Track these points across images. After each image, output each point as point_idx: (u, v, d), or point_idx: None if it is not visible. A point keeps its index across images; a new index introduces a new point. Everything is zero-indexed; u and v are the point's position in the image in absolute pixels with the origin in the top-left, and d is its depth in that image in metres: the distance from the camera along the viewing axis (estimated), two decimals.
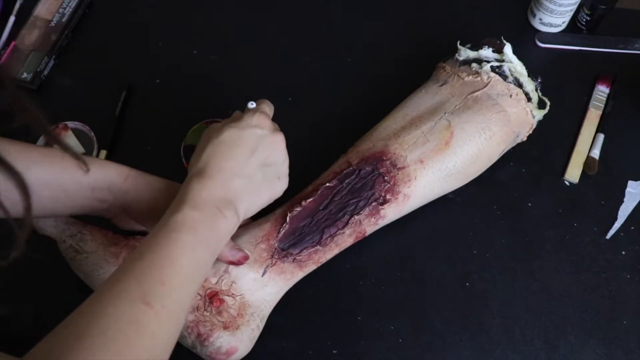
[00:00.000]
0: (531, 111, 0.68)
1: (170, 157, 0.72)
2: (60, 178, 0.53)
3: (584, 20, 0.82)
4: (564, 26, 0.83)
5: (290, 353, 0.64)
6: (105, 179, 0.55)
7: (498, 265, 0.68)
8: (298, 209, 0.62)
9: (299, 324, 0.65)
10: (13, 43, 0.81)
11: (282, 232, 0.61)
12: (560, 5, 0.79)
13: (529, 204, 0.72)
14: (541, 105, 0.70)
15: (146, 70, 0.81)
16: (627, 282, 0.67)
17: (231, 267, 0.59)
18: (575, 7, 0.80)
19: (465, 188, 0.70)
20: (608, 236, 0.70)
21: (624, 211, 0.71)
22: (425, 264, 0.68)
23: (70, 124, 0.73)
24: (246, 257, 0.58)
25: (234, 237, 0.60)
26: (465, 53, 0.69)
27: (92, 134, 0.74)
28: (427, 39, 0.83)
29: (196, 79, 0.81)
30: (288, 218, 0.61)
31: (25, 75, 0.78)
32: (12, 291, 0.67)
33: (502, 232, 0.70)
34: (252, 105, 0.58)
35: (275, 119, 0.77)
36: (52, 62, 0.80)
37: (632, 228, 0.70)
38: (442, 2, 0.87)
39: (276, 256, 0.61)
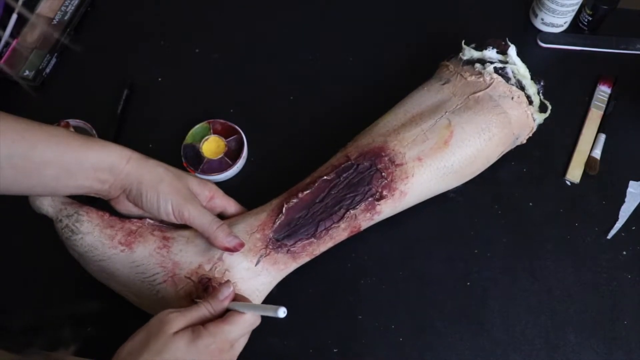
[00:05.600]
0: (532, 114, 0.68)
1: (170, 156, 0.72)
2: (64, 157, 0.53)
3: (586, 20, 0.82)
4: (565, 26, 0.83)
5: (291, 351, 0.64)
6: (107, 159, 0.56)
7: (499, 265, 0.68)
8: (294, 200, 0.62)
9: (299, 323, 0.65)
10: (15, 41, 0.81)
11: (278, 222, 0.61)
12: (562, 6, 0.79)
13: (530, 204, 0.72)
14: (542, 108, 0.70)
15: (148, 68, 0.81)
16: (628, 282, 0.67)
17: (225, 254, 0.60)
18: (577, 7, 0.80)
19: (467, 187, 0.70)
20: (609, 236, 0.70)
21: (625, 211, 0.71)
22: (426, 263, 0.68)
23: (72, 121, 0.73)
24: (242, 244, 0.59)
25: (230, 225, 0.61)
26: (469, 53, 0.69)
27: (94, 132, 0.74)
28: (428, 38, 0.83)
29: (198, 78, 0.81)
30: (284, 209, 0.62)
31: (27, 73, 0.78)
32: (11, 284, 0.67)
33: (503, 231, 0.70)
34: (283, 314, 0.49)
35: (277, 115, 0.78)
36: (54, 60, 0.80)
37: (633, 228, 0.70)
38: (443, 1, 0.87)
39: (270, 246, 0.61)
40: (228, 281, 0.54)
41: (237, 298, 0.54)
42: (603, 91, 0.78)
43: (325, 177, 0.63)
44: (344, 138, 0.68)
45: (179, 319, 0.50)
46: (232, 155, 0.73)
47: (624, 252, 0.69)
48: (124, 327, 0.64)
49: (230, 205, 0.65)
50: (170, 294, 0.59)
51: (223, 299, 0.53)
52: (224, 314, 0.52)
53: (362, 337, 0.64)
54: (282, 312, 0.49)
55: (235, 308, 0.52)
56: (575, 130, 0.76)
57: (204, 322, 0.51)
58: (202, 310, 0.52)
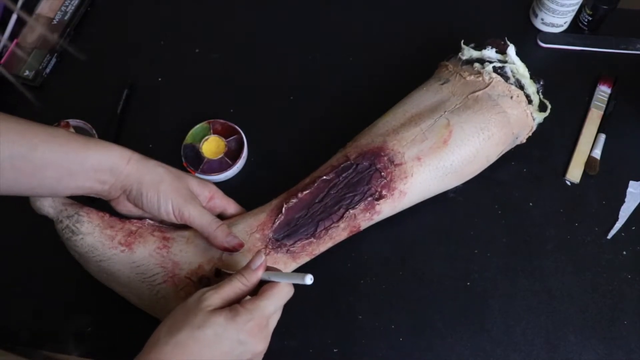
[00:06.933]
0: (531, 113, 0.68)
1: (170, 156, 0.72)
2: (65, 158, 0.54)
3: (586, 20, 0.82)
4: (565, 26, 0.83)
5: (291, 352, 0.64)
6: (108, 160, 0.56)
7: (499, 265, 0.68)
8: (294, 200, 0.62)
9: (299, 323, 0.65)
10: (15, 41, 0.81)
11: (277, 222, 0.62)
12: (562, 6, 0.79)
13: (530, 204, 0.72)
14: (542, 107, 0.70)
15: (148, 68, 0.81)
16: (628, 282, 0.67)
17: (225, 255, 0.60)
18: (577, 7, 0.80)
19: (467, 187, 0.70)
20: (609, 236, 0.70)
21: (625, 211, 0.71)
22: (426, 263, 0.68)
23: (72, 121, 0.73)
24: (241, 245, 0.59)
25: (230, 225, 0.61)
26: (468, 52, 0.69)
27: (94, 132, 0.74)
28: (428, 38, 0.83)
29: (198, 78, 0.81)
30: (284, 209, 0.62)
31: (27, 73, 0.78)
32: (12, 284, 0.67)
33: (503, 231, 0.70)
34: (310, 280, 0.50)
35: (277, 115, 0.78)
36: (54, 60, 0.81)
37: (633, 228, 0.70)
38: (443, 1, 0.87)
39: (270, 246, 0.61)
40: (260, 250, 0.54)
41: (268, 268, 0.54)
42: (603, 91, 0.78)
43: (324, 177, 0.63)
44: (344, 138, 0.68)
45: (215, 297, 0.50)
46: (232, 155, 0.73)
47: (624, 252, 0.69)
48: (124, 327, 0.64)
49: (229, 206, 0.65)
50: (170, 294, 0.59)
51: (256, 268, 0.52)
52: (257, 288, 0.52)
53: (362, 337, 0.64)
54: (308, 279, 0.49)
55: (267, 278, 0.52)
56: (575, 130, 0.76)
57: (239, 297, 0.51)
58: (236, 284, 0.52)
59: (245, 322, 0.49)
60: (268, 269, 0.54)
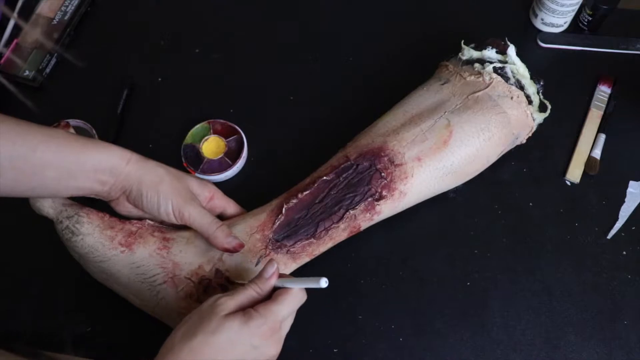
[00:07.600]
0: (531, 114, 0.68)
1: (170, 156, 0.72)
2: (65, 159, 0.53)
3: (586, 20, 0.82)
4: (565, 26, 0.83)
5: (291, 352, 0.63)
6: (108, 161, 0.56)
7: (499, 265, 0.68)
8: (294, 200, 0.62)
9: (299, 323, 0.65)
10: (15, 41, 0.81)
11: (278, 223, 0.62)
12: (562, 6, 0.79)
13: (530, 204, 0.72)
14: (542, 108, 0.70)
15: (148, 68, 0.81)
16: (628, 282, 0.67)
17: (225, 255, 0.60)
18: (577, 7, 0.80)
19: (467, 187, 0.70)
20: (609, 236, 0.70)
21: (625, 211, 0.71)
22: (426, 263, 0.68)
23: (72, 121, 0.73)
24: (241, 245, 0.59)
25: (230, 226, 0.61)
26: (468, 53, 0.69)
27: (94, 131, 0.74)
28: (428, 38, 0.83)
29: (198, 78, 0.81)
30: (284, 209, 0.62)
31: (27, 73, 0.78)
32: (11, 285, 0.67)
33: (503, 231, 0.70)
34: (325, 283, 0.50)
35: (277, 115, 0.78)
36: (54, 60, 0.80)
37: (633, 228, 0.70)
38: (444, 1, 0.87)
39: (270, 247, 0.61)
40: (272, 259, 0.55)
41: (281, 276, 0.54)
42: (603, 91, 0.78)
43: (324, 178, 0.63)
44: (344, 138, 0.68)
45: (229, 302, 0.51)
46: (232, 155, 0.73)
47: (624, 252, 0.69)
48: (124, 327, 0.64)
49: (229, 206, 0.65)
50: (170, 294, 0.59)
51: (269, 277, 0.53)
52: (271, 294, 0.53)
53: (362, 337, 0.64)
54: (323, 282, 0.50)
55: (280, 284, 0.53)
56: (575, 130, 0.76)
57: (253, 303, 0.52)
58: (250, 292, 0.52)
59: (259, 327, 0.49)
60: (281, 276, 0.54)
